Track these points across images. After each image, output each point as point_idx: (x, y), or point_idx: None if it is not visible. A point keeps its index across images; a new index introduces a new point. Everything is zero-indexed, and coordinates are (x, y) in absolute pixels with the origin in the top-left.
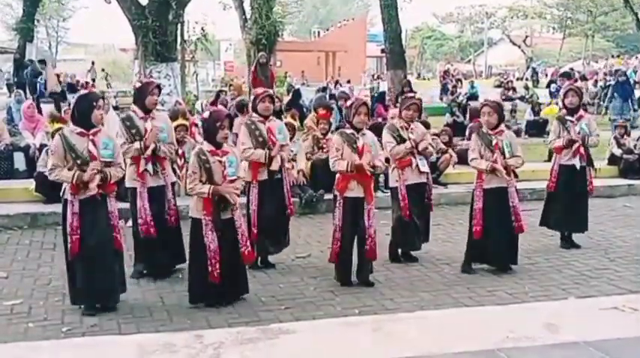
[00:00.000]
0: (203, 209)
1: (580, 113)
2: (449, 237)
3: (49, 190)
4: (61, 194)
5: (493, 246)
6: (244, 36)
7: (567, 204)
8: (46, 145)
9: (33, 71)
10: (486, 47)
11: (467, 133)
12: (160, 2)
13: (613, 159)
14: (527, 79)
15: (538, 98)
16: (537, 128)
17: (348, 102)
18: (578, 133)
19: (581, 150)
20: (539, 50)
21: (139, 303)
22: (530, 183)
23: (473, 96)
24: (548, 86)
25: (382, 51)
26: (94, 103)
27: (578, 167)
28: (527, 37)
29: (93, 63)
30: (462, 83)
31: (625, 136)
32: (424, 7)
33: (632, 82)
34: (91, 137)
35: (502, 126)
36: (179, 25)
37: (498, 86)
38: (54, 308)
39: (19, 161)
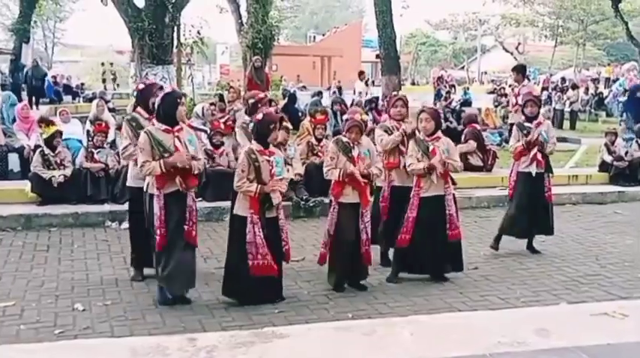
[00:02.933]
0: (250, 207)
1: (539, 120)
2: None
3: (44, 190)
4: (144, 189)
5: (422, 256)
6: (240, 40)
7: (528, 210)
8: (40, 146)
9: (36, 72)
10: (479, 54)
11: (462, 139)
12: (156, 5)
13: (604, 166)
14: None
15: None
16: None
17: (344, 117)
18: (537, 138)
19: (539, 156)
20: (532, 57)
21: (132, 306)
22: None
23: (466, 103)
24: (541, 93)
25: (377, 56)
26: (178, 100)
27: (533, 173)
28: (519, 44)
29: (103, 64)
30: (455, 89)
31: (615, 143)
32: (418, 14)
33: (622, 90)
34: (176, 134)
35: (439, 133)
36: (175, 28)
37: (491, 92)
38: (46, 310)
39: (14, 162)
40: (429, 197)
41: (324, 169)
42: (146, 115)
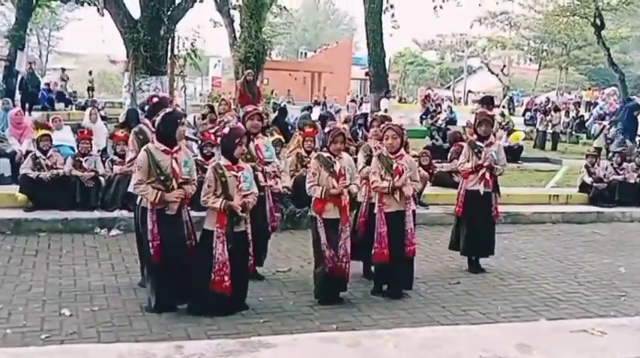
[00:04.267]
0: (216, 222)
1: (490, 140)
2: (426, 256)
3: (32, 191)
4: (137, 202)
5: (394, 270)
6: (233, 53)
7: (474, 228)
8: (31, 151)
9: (32, 79)
10: (466, 75)
11: (449, 158)
12: (152, 17)
13: (584, 187)
14: (503, 107)
15: (514, 125)
16: (512, 154)
17: (326, 129)
18: (487, 158)
19: (487, 176)
20: (516, 79)
21: (119, 312)
22: (505, 206)
23: (451, 121)
24: (523, 114)
25: (366, 74)
26: (179, 121)
27: (482, 192)
28: (504, 66)
29: (90, 72)
30: (441, 108)
31: (595, 165)
32: (407, 34)
33: (602, 113)
34: (174, 155)
35: (402, 151)
36: (170, 40)
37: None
38: (33, 314)
39: (5, 167)
40: (391, 212)
41: (307, 186)
42: (154, 129)
